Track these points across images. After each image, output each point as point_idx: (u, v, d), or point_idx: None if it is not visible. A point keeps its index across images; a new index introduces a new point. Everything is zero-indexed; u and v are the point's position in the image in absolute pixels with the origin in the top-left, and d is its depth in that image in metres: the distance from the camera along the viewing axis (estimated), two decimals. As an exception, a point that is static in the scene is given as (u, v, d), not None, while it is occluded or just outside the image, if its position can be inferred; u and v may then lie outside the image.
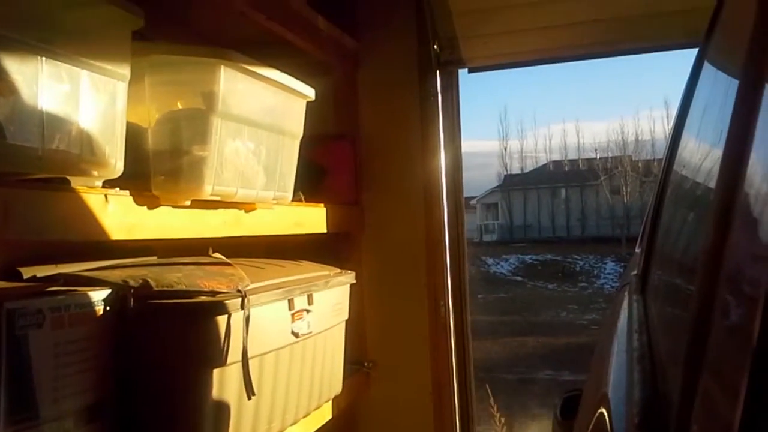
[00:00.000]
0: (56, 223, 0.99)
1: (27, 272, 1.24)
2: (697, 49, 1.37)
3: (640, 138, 32.93)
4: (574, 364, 9.74)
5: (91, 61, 0.99)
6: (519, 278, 24.23)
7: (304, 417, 1.60)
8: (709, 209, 0.53)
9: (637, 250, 1.85)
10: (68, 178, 1.01)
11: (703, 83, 1.12)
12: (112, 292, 1.11)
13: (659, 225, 1.30)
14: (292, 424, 1.53)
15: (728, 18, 0.87)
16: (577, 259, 25.90)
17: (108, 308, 1.09)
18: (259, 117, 1.42)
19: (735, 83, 0.55)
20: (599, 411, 0.78)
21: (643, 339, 0.86)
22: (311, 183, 1.91)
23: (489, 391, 4.33)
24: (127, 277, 1.17)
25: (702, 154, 0.80)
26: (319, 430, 1.76)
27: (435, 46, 2.17)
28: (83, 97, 0.98)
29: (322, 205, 1.92)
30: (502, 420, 4.30)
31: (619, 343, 1.03)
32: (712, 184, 0.56)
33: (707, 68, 1.09)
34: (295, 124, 1.61)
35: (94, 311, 1.06)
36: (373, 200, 2.20)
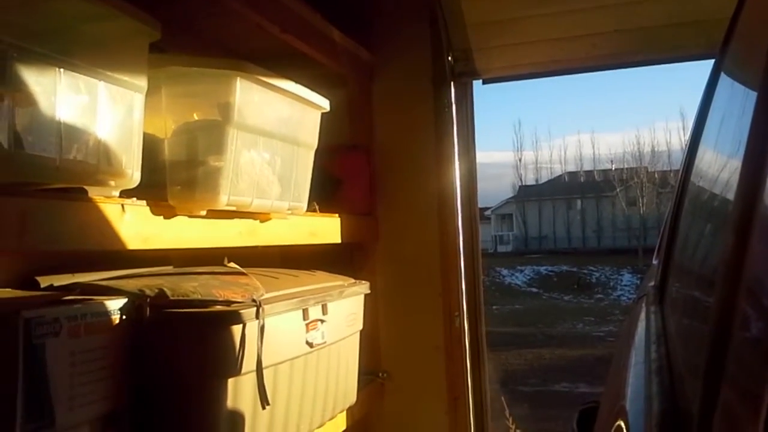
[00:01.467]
0: (73, 232, 0.99)
1: (44, 281, 1.25)
2: (713, 60, 1.36)
3: (656, 149, 32.80)
4: (591, 377, 9.66)
5: (109, 73, 1.00)
6: (534, 290, 24.12)
7: (319, 427, 1.60)
8: (728, 220, 0.53)
9: (654, 262, 1.83)
10: (85, 188, 1.01)
11: (720, 94, 1.11)
12: (128, 301, 1.11)
13: (677, 236, 1.29)
14: (306, 435, 1.53)
15: (745, 28, 0.86)
16: (593, 271, 25.75)
17: (124, 317, 1.09)
18: (274, 128, 1.43)
19: (753, 94, 0.55)
20: (617, 424, 0.78)
21: (661, 350, 0.85)
22: (326, 193, 1.91)
23: (505, 403, 4.29)
24: (143, 287, 1.17)
25: (720, 164, 0.79)
26: (334, 441, 1.75)
27: (449, 58, 2.17)
28: (101, 108, 0.99)
29: (337, 215, 1.92)
30: (518, 432, 4.27)
31: (637, 354, 1.02)
32: (731, 194, 0.55)
33: (724, 79, 1.09)
34: (310, 134, 1.61)
35: (110, 320, 1.07)
36: (388, 211, 2.20)
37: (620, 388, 0.95)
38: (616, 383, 1.07)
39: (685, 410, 0.58)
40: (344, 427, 1.81)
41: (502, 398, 4.40)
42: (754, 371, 0.36)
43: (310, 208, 1.69)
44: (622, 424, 0.75)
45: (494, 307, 18.59)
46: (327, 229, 1.87)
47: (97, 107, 0.98)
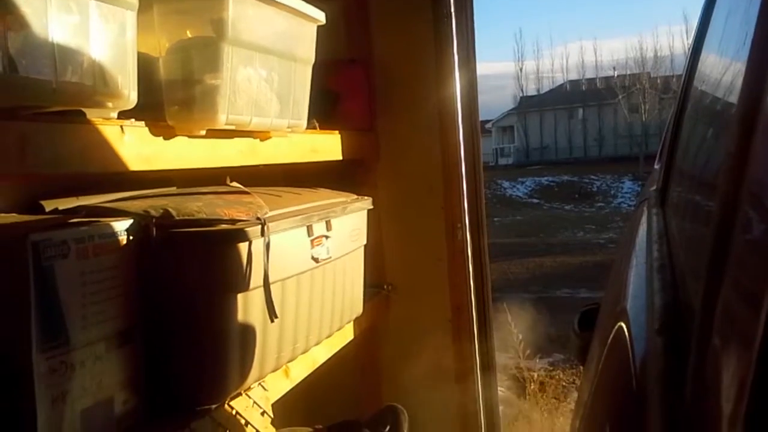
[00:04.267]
0: (74, 155, 0.99)
1: (49, 205, 1.26)
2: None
3: (659, 54, 32.22)
4: (591, 282, 9.82)
5: (99, -10, 0.97)
6: (535, 200, 24.23)
7: (327, 338, 1.64)
8: (730, 122, 0.52)
9: (656, 167, 1.83)
10: (83, 110, 1.01)
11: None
12: (134, 222, 1.12)
13: (679, 140, 1.29)
14: (315, 344, 1.58)
15: None
16: (594, 180, 25.79)
17: (131, 238, 1.10)
18: (269, 43, 1.40)
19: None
20: (618, 325, 0.79)
21: (663, 250, 0.86)
22: (325, 110, 1.90)
23: (507, 309, 4.39)
24: (149, 208, 1.18)
25: (723, 66, 0.78)
26: (342, 350, 1.80)
27: (447, -37, 2.10)
28: (93, 27, 0.97)
29: (337, 131, 1.91)
30: (520, 336, 4.38)
31: (638, 256, 1.03)
32: (733, 97, 0.55)
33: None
34: (307, 49, 1.58)
35: (118, 241, 1.08)
36: (388, 125, 2.19)
37: (621, 289, 0.97)
38: (616, 285, 1.09)
39: (687, 306, 0.60)
40: (352, 337, 1.87)
41: (504, 305, 4.50)
42: (756, 273, 0.36)
43: (310, 126, 1.67)
44: (623, 325, 0.77)
45: (495, 219, 18.73)
46: (328, 146, 1.86)
47: (89, 27, 0.96)
